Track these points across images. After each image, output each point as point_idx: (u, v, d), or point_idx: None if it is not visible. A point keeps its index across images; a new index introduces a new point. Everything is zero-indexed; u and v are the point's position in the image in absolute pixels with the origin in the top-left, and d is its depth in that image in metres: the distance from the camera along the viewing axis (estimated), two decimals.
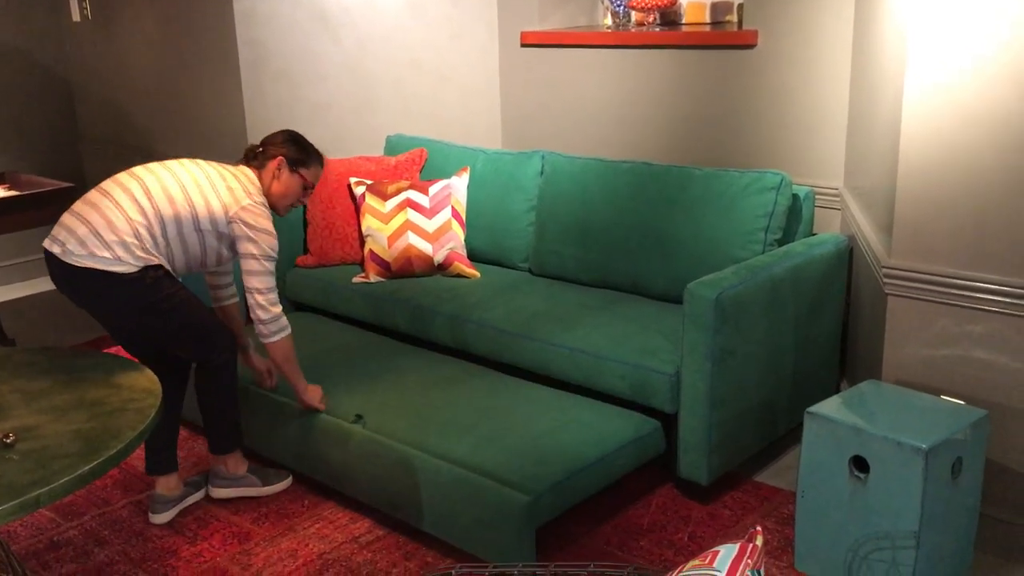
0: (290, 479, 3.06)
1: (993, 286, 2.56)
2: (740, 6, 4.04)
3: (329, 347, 3.38)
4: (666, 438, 2.91)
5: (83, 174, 5.28)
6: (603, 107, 4.22)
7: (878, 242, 2.89)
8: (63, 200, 4.10)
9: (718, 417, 2.80)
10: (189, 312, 2.75)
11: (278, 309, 2.79)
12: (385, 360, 3.27)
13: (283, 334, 2.81)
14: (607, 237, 3.48)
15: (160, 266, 2.69)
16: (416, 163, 4.05)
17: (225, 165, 2.87)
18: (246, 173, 2.85)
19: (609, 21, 4.52)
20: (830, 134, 3.56)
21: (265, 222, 2.77)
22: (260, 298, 2.75)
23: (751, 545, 1.41)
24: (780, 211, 3.18)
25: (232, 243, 2.78)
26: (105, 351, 2.68)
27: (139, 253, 2.63)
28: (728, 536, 2.75)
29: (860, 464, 2.39)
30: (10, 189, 4.28)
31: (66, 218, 2.70)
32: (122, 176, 2.76)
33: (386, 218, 3.69)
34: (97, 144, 5.16)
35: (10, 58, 5.04)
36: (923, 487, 2.26)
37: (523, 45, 4.48)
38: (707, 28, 4.04)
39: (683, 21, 4.28)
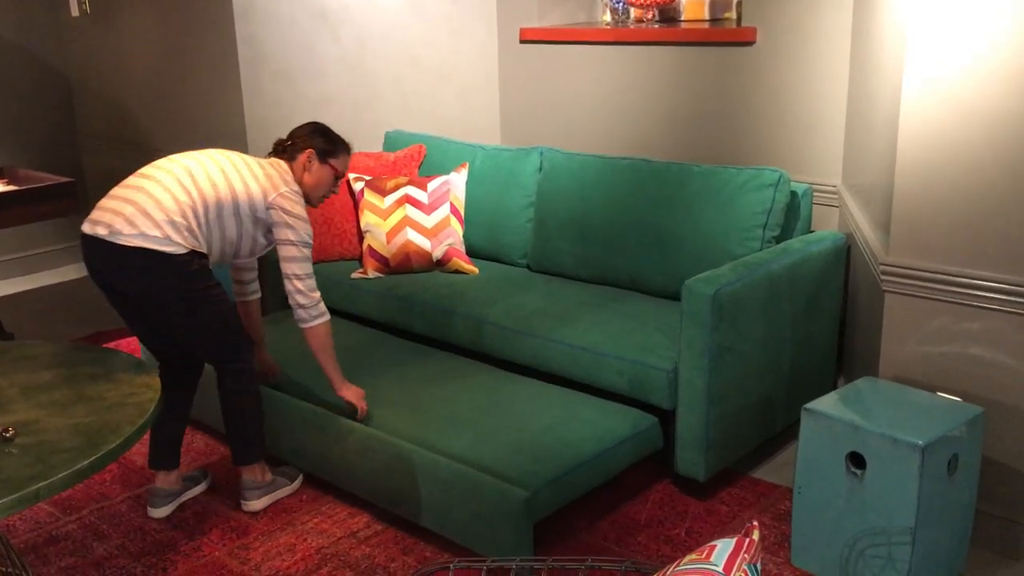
0: (301, 476, 3.06)
1: (990, 283, 2.57)
2: (739, 3, 4.04)
3: None
4: (664, 434, 2.91)
5: (81, 169, 5.28)
6: (602, 104, 4.22)
7: (876, 239, 2.90)
8: (61, 195, 4.11)
9: (716, 413, 2.81)
10: (223, 310, 2.76)
11: (317, 295, 2.80)
12: (383, 356, 3.28)
13: (322, 319, 2.81)
14: (605, 233, 3.49)
15: (206, 255, 2.70)
16: (415, 159, 4.05)
17: (256, 158, 2.89)
18: (279, 164, 2.87)
19: (608, 18, 4.52)
20: (828, 131, 3.57)
21: (301, 210, 2.79)
22: (299, 284, 2.76)
23: (748, 540, 1.41)
24: (778, 208, 3.19)
25: (268, 230, 2.79)
26: (105, 346, 2.68)
27: (186, 234, 2.63)
28: (725, 531, 2.76)
29: (857, 460, 2.39)
30: (9, 184, 4.28)
31: (107, 203, 2.68)
32: (161, 162, 2.77)
33: (385, 214, 3.69)
34: (95, 140, 5.16)
35: (9, 53, 5.04)
36: (919, 483, 2.27)
37: (522, 42, 4.48)
38: (706, 25, 4.05)
39: (682, 18, 4.28)
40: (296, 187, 2.83)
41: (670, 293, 3.31)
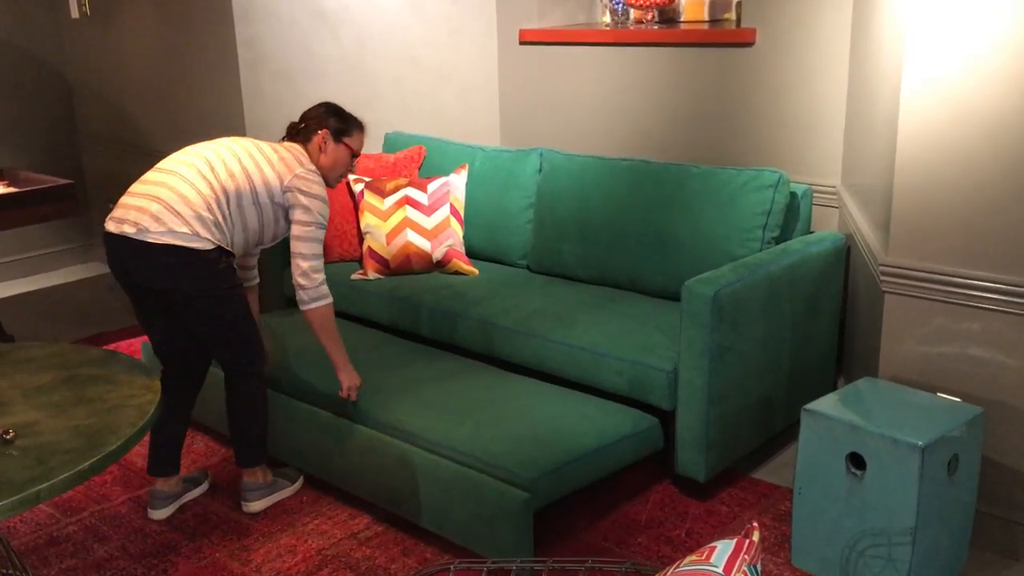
0: (302, 478, 3.07)
1: (990, 284, 2.57)
2: (738, 4, 4.04)
3: None
4: (664, 435, 2.91)
5: (81, 170, 5.28)
6: (601, 105, 4.23)
7: (875, 240, 2.90)
8: (61, 197, 4.11)
9: (715, 414, 2.81)
10: (244, 313, 2.78)
11: (321, 276, 2.79)
12: (383, 356, 3.28)
13: (322, 302, 2.80)
14: (605, 234, 3.49)
15: (232, 254, 2.72)
16: (415, 160, 4.05)
17: (271, 142, 2.89)
18: (294, 147, 2.87)
19: (608, 19, 4.53)
20: (828, 132, 3.57)
21: (319, 189, 2.80)
22: (304, 264, 2.76)
23: (748, 541, 1.41)
24: (778, 209, 3.19)
25: (287, 213, 2.79)
26: (105, 347, 2.68)
27: (213, 229, 2.64)
28: (725, 532, 2.76)
29: (857, 461, 2.39)
30: (9, 186, 4.28)
31: (129, 200, 2.68)
32: (177, 155, 2.77)
33: (385, 215, 3.69)
34: (95, 140, 5.16)
35: (9, 55, 5.04)
36: (919, 484, 2.27)
37: (522, 43, 4.49)
38: (705, 26, 4.05)
39: (681, 19, 4.28)
40: (312, 167, 2.83)
41: (670, 294, 3.31)
